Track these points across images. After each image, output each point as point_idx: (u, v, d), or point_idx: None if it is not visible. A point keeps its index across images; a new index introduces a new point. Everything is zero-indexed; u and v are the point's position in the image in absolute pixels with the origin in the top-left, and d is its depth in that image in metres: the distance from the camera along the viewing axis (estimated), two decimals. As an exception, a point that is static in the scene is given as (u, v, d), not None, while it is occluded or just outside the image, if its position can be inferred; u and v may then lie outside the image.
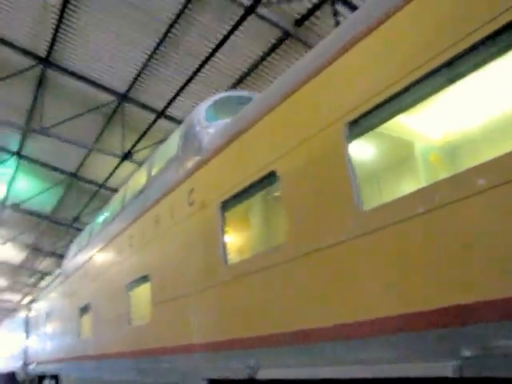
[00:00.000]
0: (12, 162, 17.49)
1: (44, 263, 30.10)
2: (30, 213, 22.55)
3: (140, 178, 7.26)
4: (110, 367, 7.31)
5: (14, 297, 40.97)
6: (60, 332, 11.48)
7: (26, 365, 16.71)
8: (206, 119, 5.66)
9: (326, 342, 3.14)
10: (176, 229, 5.48)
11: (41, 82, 12.56)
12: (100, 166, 16.90)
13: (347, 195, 3.10)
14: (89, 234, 9.92)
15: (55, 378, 12.17)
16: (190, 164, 5.41)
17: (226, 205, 4.62)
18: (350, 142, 3.25)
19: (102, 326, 7.91)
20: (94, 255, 8.94)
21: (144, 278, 6.35)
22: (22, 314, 19.42)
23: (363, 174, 4.05)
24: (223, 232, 4.57)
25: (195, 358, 4.78)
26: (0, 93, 13.19)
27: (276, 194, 4.64)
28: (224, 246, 4.51)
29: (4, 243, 26.04)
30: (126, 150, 12.86)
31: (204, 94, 12.55)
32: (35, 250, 27.33)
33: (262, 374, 3.67)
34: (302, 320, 3.40)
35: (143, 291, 6.51)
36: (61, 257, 26.99)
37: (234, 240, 5.13)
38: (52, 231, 24.08)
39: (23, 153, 16.92)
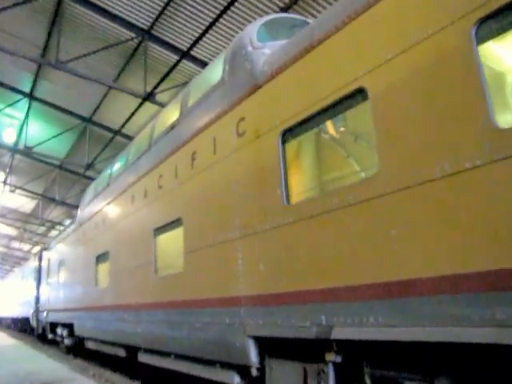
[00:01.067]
0: (23, 104, 16.75)
1: (54, 213, 29.92)
2: (41, 160, 22.07)
3: (172, 113, 6.51)
4: (131, 318, 6.84)
5: (24, 246, 41.35)
6: (74, 281, 11.11)
7: (37, 312, 16.64)
8: (258, 40, 4.83)
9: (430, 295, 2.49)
10: (219, 165, 4.78)
11: (57, 13, 11.62)
12: (117, 110, 16.10)
13: (479, 110, 2.36)
14: (108, 177, 9.29)
15: (68, 326, 11.94)
16: (239, 90, 4.64)
17: (288, 134, 3.89)
18: (482, 43, 2.49)
19: (123, 276, 7.41)
20: (114, 199, 8.34)
21: (175, 223, 5.74)
22: (34, 263, 19.30)
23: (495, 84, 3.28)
24: (284, 166, 3.86)
25: (239, 312, 4.19)
26: (14, 24, 12.31)
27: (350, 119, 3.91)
28: (284, 182, 3.81)
29: (13, 191, 25.73)
30: (148, 91, 11.98)
31: (233, 33, 11.58)
32: (46, 199, 27.02)
33: (338, 334, 3.05)
34: (394, 269, 2.74)
35: (174, 237, 5.91)
36: (72, 206, 26.73)
37: (298, 176, 4.41)
38: (63, 180, 23.63)
39: (36, 94, 16.13)
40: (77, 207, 27.04)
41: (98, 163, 18.11)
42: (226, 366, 4.52)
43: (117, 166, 8.95)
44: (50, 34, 12.54)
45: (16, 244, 41.16)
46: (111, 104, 15.80)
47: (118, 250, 7.85)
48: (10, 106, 16.25)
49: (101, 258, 9.02)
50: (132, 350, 7.32)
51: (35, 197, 27.65)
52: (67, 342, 12.10)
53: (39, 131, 18.03)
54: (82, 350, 11.92)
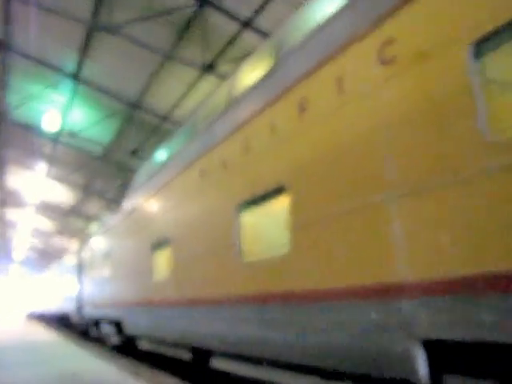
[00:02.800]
0: (67, 86, 16.11)
1: (93, 207, 29.61)
2: (83, 149, 21.56)
3: (260, 62, 5.36)
4: (202, 316, 5.72)
5: (63, 241, 41.58)
6: (122, 274, 10.16)
7: (80, 308, 15.94)
8: None
9: None
10: (353, 108, 3.56)
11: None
12: (166, 93, 15.21)
13: None
14: (168, 153, 8.26)
15: (116, 323, 11.02)
16: (383, 5, 3.41)
17: (485, 45, 2.63)
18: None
19: (190, 265, 6.30)
20: (175, 177, 7.27)
21: (273, 193, 4.56)
22: (75, 256, 18.71)
23: None
24: (481, 88, 2.61)
25: (398, 305, 2.95)
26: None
27: None
28: (484, 109, 2.56)
29: (55, 182, 25.47)
30: (207, 63, 10.92)
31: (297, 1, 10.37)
32: (86, 192, 26.65)
33: None
34: None
35: (268, 212, 4.76)
36: (111, 201, 26.23)
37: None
38: (104, 172, 23.09)
39: (80, 75, 15.43)
40: (116, 201, 26.60)
41: (143, 151, 17.25)
42: (362, 380, 3.29)
43: (179, 138, 7.89)
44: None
45: (55, 239, 41.44)
46: (160, 86, 14.90)
47: (182, 236, 6.76)
48: (53, 88, 15.63)
49: (158, 246, 7.98)
50: (200, 354, 6.24)
51: (76, 190, 27.37)
52: (114, 340, 11.19)
53: (82, 117, 17.38)
54: (131, 349, 10.99)
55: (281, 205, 4.46)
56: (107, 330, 12.05)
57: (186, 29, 11.37)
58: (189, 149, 7.00)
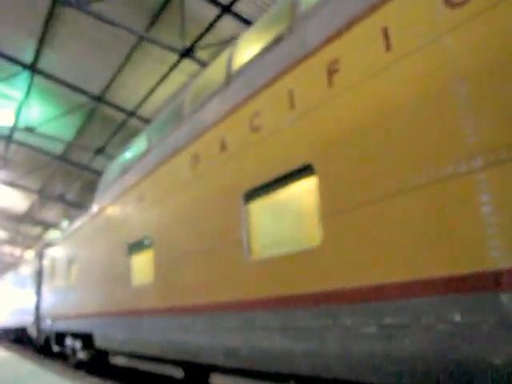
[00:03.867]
0: (24, 79, 14.81)
1: (50, 213, 27.81)
2: (39, 149, 20.05)
3: (274, 22, 4.66)
4: (201, 325, 4.92)
5: (15, 250, 39.05)
6: (92, 280, 9.14)
7: (38, 320, 14.57)
8: None
9: None
10: (418, 58, 2.93)
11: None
12: (133, 87, 14.24)
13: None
14: (147, 142, 7.37)
15: (84, 336, 9.93)
16: None
17: None
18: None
19: (181, 267, 5.48)
20: (160, 167, 6.43)
21: (295, 175, 3.88)
22: (32, 264, 17.24)
23: None
24: None
25: (496, 300, 2.32)
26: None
27: None
28: None
29: (7, 186, 23.64)
30: (184, 48, 10.09)
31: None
32: (42, 197, 24.93)
33: None
34: None
35: (285, 199, 4.06)
36: (71, 205, 24.67)
37: None
38: (64, 174, 21.62)
39: (39, 66, 14.18)
40: (77, 206, 25.07)
41: (108, 149, 16.09)
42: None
43: (161, 125, 7.05)
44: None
45: (6, 248, 38.84)
46: (128, 78, 13.92)
47: (170, 234, 5.93)
48: (7, 81, 14.26)
49: (137, 248, 7.10)
50: (193, 370, 5.44)
51: (30, 194, 25.56)
52: (82, 355, 10.09)
53: (41, 112, 16.04)
54: (102, 366, 9.93)
55: (306, 188, 3.78)
56: (72, 344, 10.90)
57: (160, 11, 10.51)
58: (176, 133, 6.19)
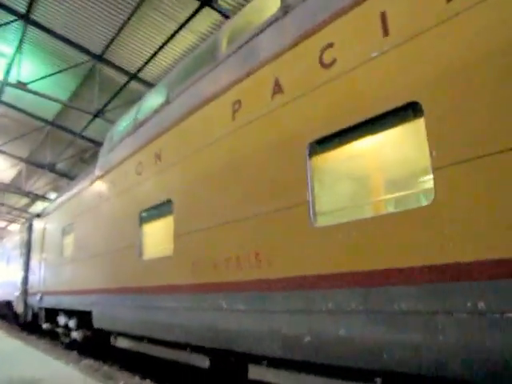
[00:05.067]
0: (16, 29, 13.51)
1: (38, 183, 26.54)
2: (29, 114, 18.78)
3: None
4: (249, 306, 4.04)
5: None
6: (92, 252, 8.19)
7: (25, 295, 13.61)
8: None
9: None
10: None
11: None
12: (135, 47, 13.10)
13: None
14: (166, 92, 6.34)
15: (79, 314, 9.02)
16: None
17: None
18: None
19: (220, 234, 4.54)
20: (184, 119, 5.45)
21: (405, 111, 2.97)
22: (19, 235, 16.20)
23: None
24: None
25: None
26: None
27: None
28: None
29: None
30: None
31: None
32: (30, 165, 23.65)
33: None
34: None
35: (368, 148, 3.17)
36: (61, 175, 23.49)
37: None
38: (54, 141, 20.37)
39: (33, 16, 12.91)
40: (67, 176, 23.89)
41: (107, 113, 14.91)
42: None
43: (187, 70, 6.02)
44: None
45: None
46: (130, 36, 12.78)
47: (199, 196, 4.98)
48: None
49: (151, 214, 6.16)
50: (223, 358, 4.58)
51: (17, 163, 24.25)
52: (76, 335, 9.19)
53: (33, 70, 14.77)
54: (96, 347, 9.05)
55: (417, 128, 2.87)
56: (65, 322, 9.99)
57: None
58: (209, 78, 5.20)
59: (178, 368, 5.85)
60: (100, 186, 8.25)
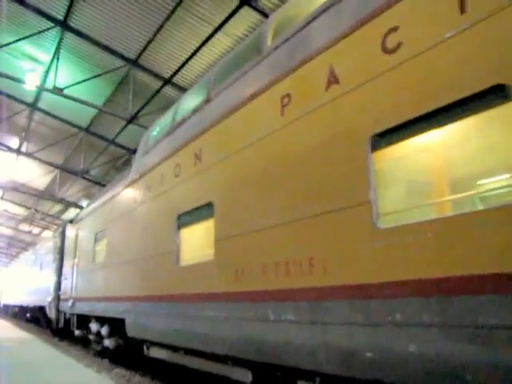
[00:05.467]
0: (53, 36, 13.73)
1: (71, 191, 26.97)
2: (64, 120, 19.07)
3: None
4: (298, 317, 3.70)
5: (33, 229, 38.57)
6: (125, 259, 8.01)
7: (57, 300, 13.64)
8: None
9: None
10: None
11: None
12: (170, 52, 13.07)
13: None
14: (206, 90, 6.10)
15: (111, 321, 8.86)
16: None
17: None
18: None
19: (266, 238, 4.23)
20: (235, 110, 5.16)
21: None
22: (52, 241, 16.35)
23: None
24: None
25: None
26: None
27: None
28: None
29: (28, 158, 22.75)
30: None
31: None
32: (64, 172, 24.02)
33: None
34: None
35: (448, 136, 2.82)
36: (94, 183, 23.76)
37: None
38: (88, 146, 20.59)
39: (70, 22, 13.08)
40: (100, 184, 24.17)
41: (141, 116, 14.90)
42: None
43: (229, 65, 5.79)
44: None
45: (25, 226, 38.34)
46: (165, 41, 12.76)
47: (243, 197, 4.70)
48: (34, 40, 13.15)
49: (190, 217, 5.91)
50: (267, 372, 4.24)
51: (51, 170, 24.69)
52: (108, 343, 9.02)
53: (69, 76, 14.96)
54: (128, 356, 8.85)
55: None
56: (96, 329, 9.86)
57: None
58: (254, 72, 4.93)
59: (216, 381, 5.53)
60: (134, 191, 8.10)
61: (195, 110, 6.21)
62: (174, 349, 6.15)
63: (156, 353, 6.83)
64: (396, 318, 2.86)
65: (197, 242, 5.99)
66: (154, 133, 7.92)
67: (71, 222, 13.50)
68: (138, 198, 7.81)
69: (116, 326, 8.58)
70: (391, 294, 2.93)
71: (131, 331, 7.38)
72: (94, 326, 10.04)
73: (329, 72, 3.76)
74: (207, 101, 5.95)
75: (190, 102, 6.73)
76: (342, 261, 3.32)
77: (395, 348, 2.84)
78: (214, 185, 5.31)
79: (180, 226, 6.15)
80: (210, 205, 5.33)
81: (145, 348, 7.22)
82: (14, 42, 13.05)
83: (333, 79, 3.70)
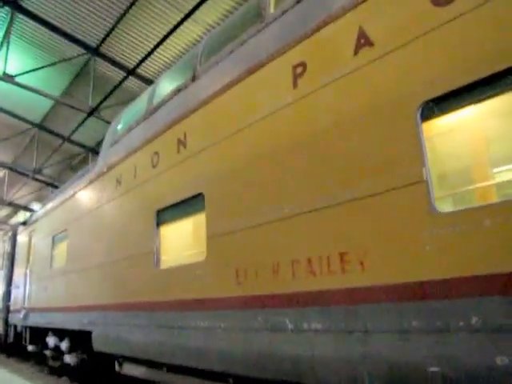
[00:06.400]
0: (3, 17, 12.52)
1: (21, 193, 25.21)
2: (15, 115, 17.67)
3: None
4: (322, 325, 3.10)
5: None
6: (91, 263, 7.15)
7: (7, 312, 12.40)
8: None
9: None
10: None
11: None
12: (136, 39, 12.24)
13: None
14: (190, 70, 5.42)
15: (72, 334, 7.93)
16: None
17: None
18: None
19: (276, 233, 3.61)
20: (231, 86, 4.51)
21: None
22: (1, 246, 14.98)
23: None
24: None
25: None
26: None
27: None
28: None
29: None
30: None
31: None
32: (13, 172, 22.38)
33: None
34: None
35: None
36: (49, 184, 22.31)
37: None
38: (41, 146, 19.20)
39: (21, 2, 11.95)
40: (53, 185, 22.70)
41: (102, 109, 13.87)
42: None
43: (221, 37, 5.12)
44: None
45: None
46: (128, 30, 11.93)
47: (244, 183, 4.06)
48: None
49: (173, 212, 5.20)
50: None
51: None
52: (69, 359, 8.07)
53: (20, 62, 13.73)
54: (94, 373, 7.95)
55: None
56: (54, 343, 8.85)
57: None
58: (254, 41, 4.31)
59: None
60: (101, 186, 7.25)
61: (178, 90, 5.51)
62: (154, 365, 5.39)
63: (131, 369, 6.03)
64: (472, 323, 2.31)
65: (182, 241, 5.29)
66: (125, 120, 7.12)
67: (24, 223, 12.33)
68: (106, 194, 6.97)
69: (78, 339, 7.67)
70: (458, 293, 2.39)
71: (99, 345, 6.53)
72: (51, 340, 9.03)
73: (358, 34, 3.20)
74: (193, 79, 5.26)
75: (170, 81, 6.01)
76: (388, 255, 2.74)
77: (474, 360, 2.29)
78: (204, 173, 4.62)
79: (159, 223, 5.42)
80: (198, 197, 4.65)
81: (116, 364, 6.39)
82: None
83: (364, 41, 3.15)
